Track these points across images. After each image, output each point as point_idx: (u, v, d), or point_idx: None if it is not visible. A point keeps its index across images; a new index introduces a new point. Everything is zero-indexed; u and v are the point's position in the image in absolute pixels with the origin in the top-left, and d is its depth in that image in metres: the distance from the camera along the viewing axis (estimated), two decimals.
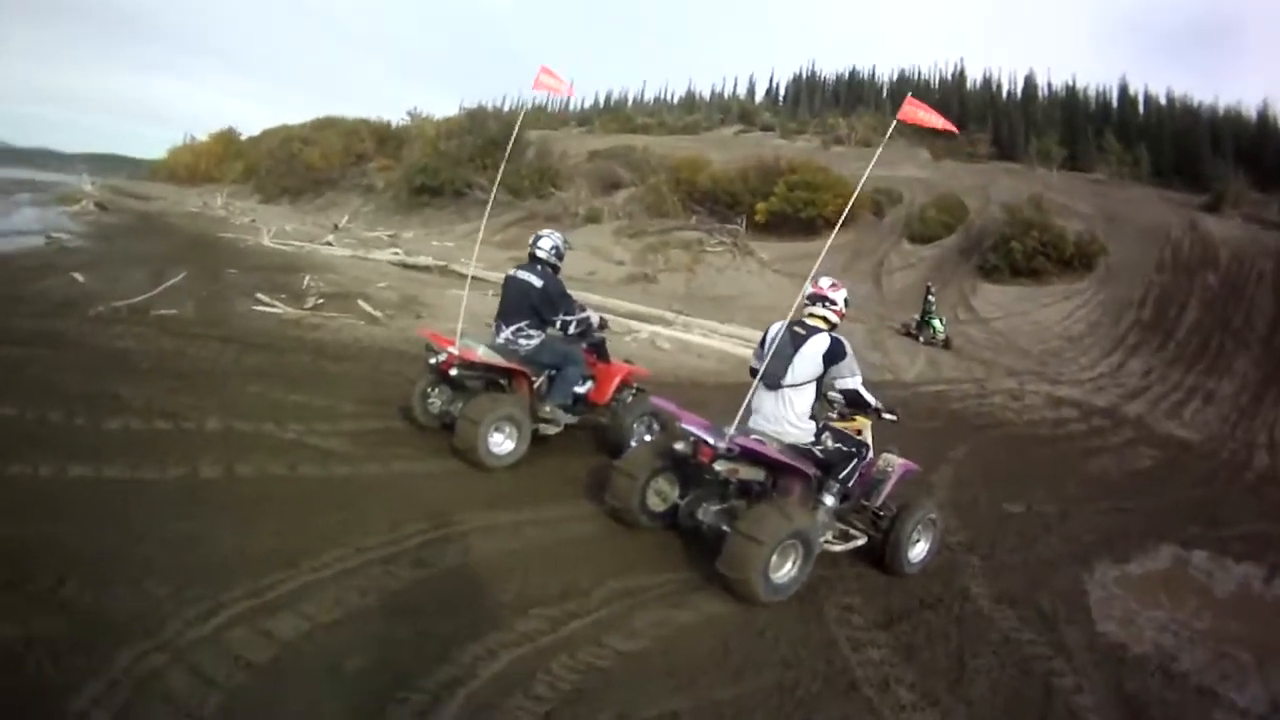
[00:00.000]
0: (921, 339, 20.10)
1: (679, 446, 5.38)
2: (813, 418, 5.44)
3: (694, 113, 64.22)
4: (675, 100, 74.60)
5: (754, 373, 5.50)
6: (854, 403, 5.54)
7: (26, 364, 7.54)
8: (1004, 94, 57.29)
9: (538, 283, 6.99)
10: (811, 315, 5.59)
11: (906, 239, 30.91)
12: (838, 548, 5.52)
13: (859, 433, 5.74)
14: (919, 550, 5.77)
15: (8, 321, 9.23)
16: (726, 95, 71.16)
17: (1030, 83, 57.00)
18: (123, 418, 6.24)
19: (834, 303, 5.63)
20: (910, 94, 6.39)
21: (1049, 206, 29.58)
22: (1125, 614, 5.82)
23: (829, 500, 5.45)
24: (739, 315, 19.82)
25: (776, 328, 5.55)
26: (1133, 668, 4.93)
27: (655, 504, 5.67)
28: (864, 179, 7.12)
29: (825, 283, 5.66)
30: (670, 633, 4.31)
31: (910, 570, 5.65)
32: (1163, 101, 52.28)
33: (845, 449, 5.45)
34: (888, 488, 5.87)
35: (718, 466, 5.13)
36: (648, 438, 7.16)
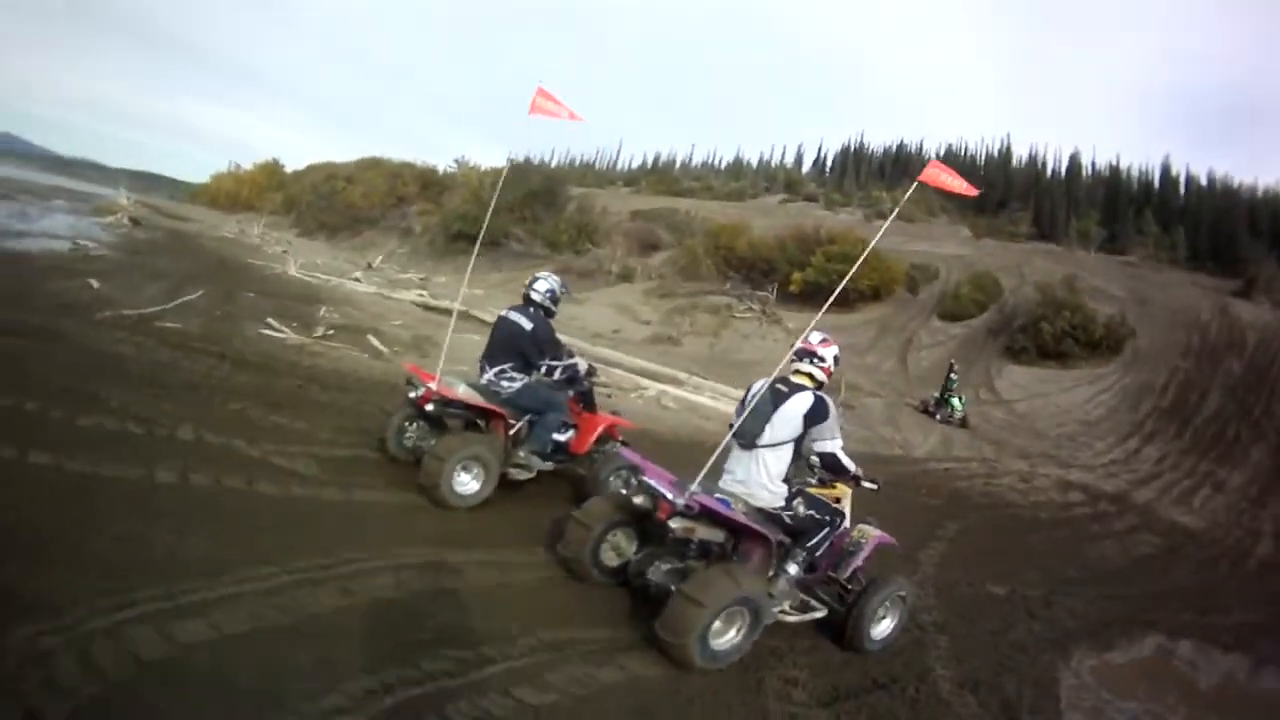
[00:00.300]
0: (939, 417, 20.20)
1: (638, 500, 5.17)
2: (787, 481, 5.25)
3: (740, 179, 65.39)
4: (723, 166, 75.63)
5: (732, 428, 5.30)
6: (831, 467, 5.35)
7: (20, 356, 7.64)
8: (1048, 172, 57.37)
9: (527, 325, 6.93)
10: (797, 372, 5.41)
11: (938, 316, 30.96)
12: (793, 618, 5.29)
13: (838, 501, 5.56)
14: (883, 628, 5.54)
15: (13, 315, 9.35)
16: (774, 163, 72.18)
17: (1075, 161, 57.01)
18: (97, 416, 6.26)
19: (822, 359, 5.45)
20: (935, 158, 6.36)
21: (1082, 288, 30.01)
22: (1096, 704, 5.59)
23: (792, 569, 5.20)
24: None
25: (759, 384, 5.41)
26: None
27: (609, 558, 5.49)
28: (870, 245, 7.24)
29: (815, 338, 5.49)
30: (587, 691, 4.11)
31: (871, 647, 5.42)
32: (1204, 182, 52.40)
33: (817, 516, 5.26)
34: (858, 560, 5.66)
35: (673, 524, 4.87)
36: (624, 492, 6.98)
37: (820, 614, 5.43)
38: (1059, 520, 12.81)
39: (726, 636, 4.68)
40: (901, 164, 64.02)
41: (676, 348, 25.46)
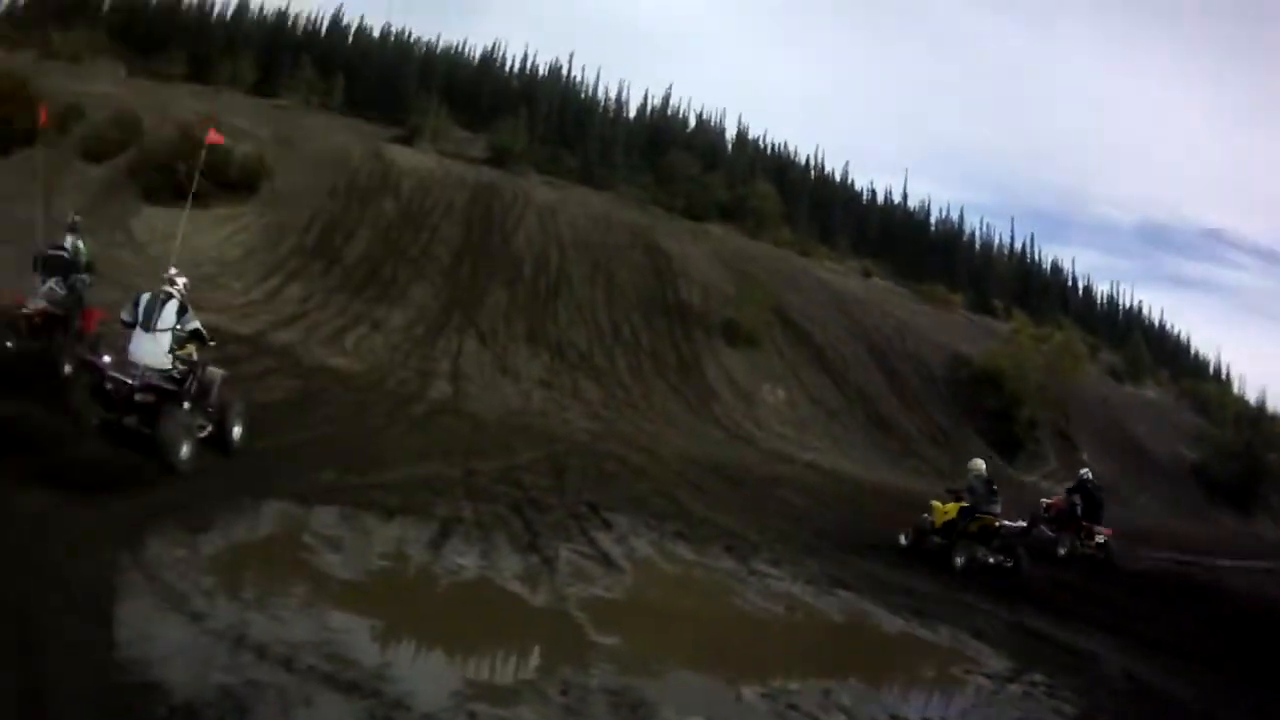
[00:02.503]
0: None
1: (109, 386, 7.76)
2: (171, 352, 8.07)
3: None
4: None
5: (125, 324, 8.22)
6: (197, 336, 8.40)
7: None
8: (214, 14, 50.26)
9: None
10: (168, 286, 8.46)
11: (82, 157, 28.09)
12: (201, 435, 8.14)
13: (191, 355, 8.37)
14: (237, 433, 8.79)
15: None
16: None
17: (243, 5, 50.34)
18: None
19: (176, 283, 8.55)
20: None
21: (222, 128, 24.17)
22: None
23: (185, 404, 8.08)
24: None
25: (145, 296, 8.30)
26: None
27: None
28: None
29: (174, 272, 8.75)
30: None
31: (234, 448, 8.62)
32: (375, 35, 52.11)
33: (185, 368, 8.18)
34: (214, 391, 8.64)
35: (138, 398, 7.77)
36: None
37: (209, 429, 8.40)
38: None
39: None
40: (81, 3, 50.99)
41: None
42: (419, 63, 49.67)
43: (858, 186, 54.99)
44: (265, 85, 43.17)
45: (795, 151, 53.72)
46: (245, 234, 25.28)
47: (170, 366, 8.03)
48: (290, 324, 19.04)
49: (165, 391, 7.88)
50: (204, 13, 50.27)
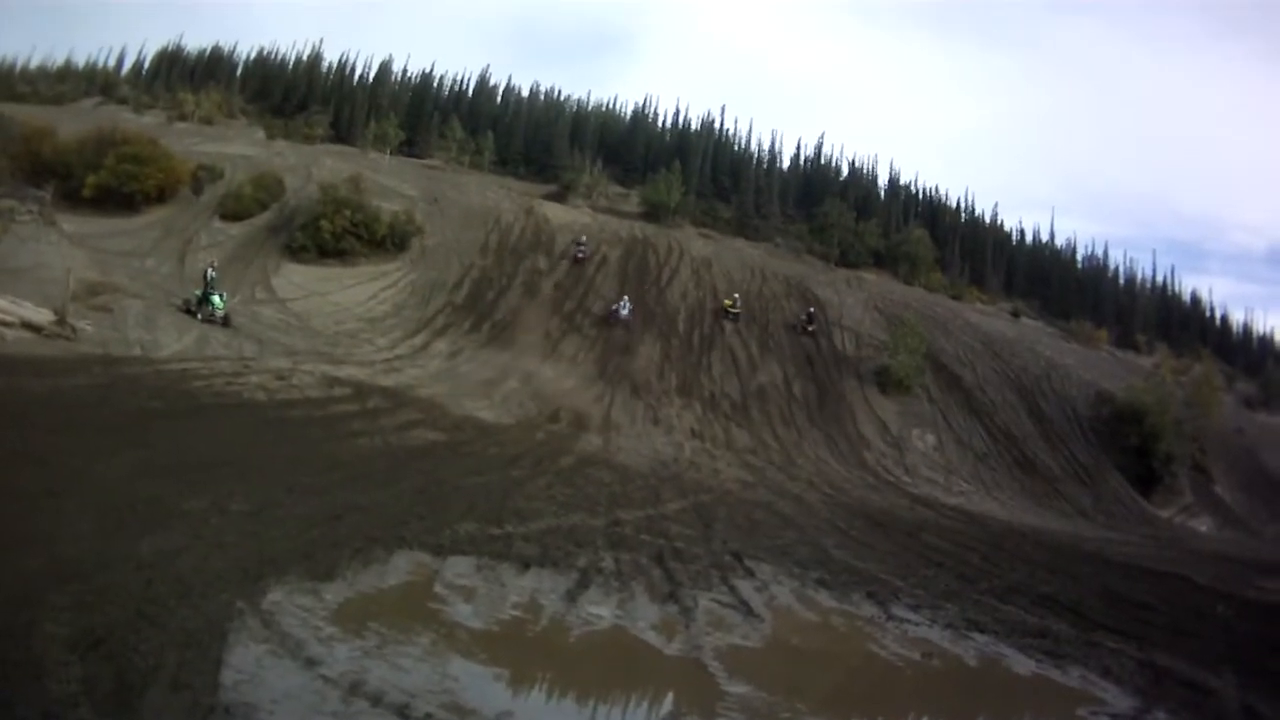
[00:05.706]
0: (200, 316, 20.05)
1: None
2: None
3: (65, 83, 55.19)
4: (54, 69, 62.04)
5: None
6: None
7: None
8: (355, 77, 53.97)
9: None
10: None
11: (220, 216, 29.73)
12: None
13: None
14: None
15: None
16: (99, 66, 59.64)
17: (385, 68, 53.87)
18: None
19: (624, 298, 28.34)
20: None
21: (370, 188, 30.03)
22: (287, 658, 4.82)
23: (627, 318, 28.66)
24: (24, 288, 16.67)
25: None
26: None
27: None
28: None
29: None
30: None
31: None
32: (524, 94, 53.35)
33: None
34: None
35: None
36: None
37: None
38: (312, 418, 12.53)
39: None
40: (212, 67, 55.06)
41: None
42: (570, 120, 50.10)
43: (1007, 227, 53.50)
44: (412, 145, 45.02)
45: (946, 195, 52.73)
46: (392, 290, 26.13)
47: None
48: (437, 377, 19.29)
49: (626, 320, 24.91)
50: (344, 75, 52.80)
